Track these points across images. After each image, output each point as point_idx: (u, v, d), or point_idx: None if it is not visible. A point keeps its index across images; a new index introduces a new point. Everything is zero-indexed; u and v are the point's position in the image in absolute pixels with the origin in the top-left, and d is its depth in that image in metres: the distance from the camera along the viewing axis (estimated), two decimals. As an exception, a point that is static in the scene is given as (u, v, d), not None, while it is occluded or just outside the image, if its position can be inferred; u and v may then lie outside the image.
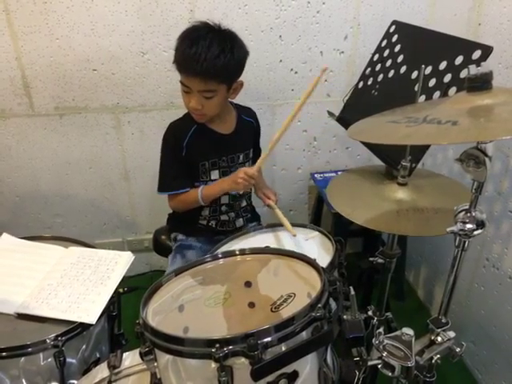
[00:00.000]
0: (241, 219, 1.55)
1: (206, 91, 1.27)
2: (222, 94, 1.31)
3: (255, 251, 1.01)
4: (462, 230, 0.84)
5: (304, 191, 2.15)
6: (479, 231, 0.85)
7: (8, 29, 1.62)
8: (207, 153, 1.41)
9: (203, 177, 1.43)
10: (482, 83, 0.76)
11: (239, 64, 1.31)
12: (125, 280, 1.20)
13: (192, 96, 1.30)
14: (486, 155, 0.76)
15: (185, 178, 1.42)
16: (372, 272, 1.46)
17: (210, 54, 1.21)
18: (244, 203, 1.56)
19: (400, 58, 1.33)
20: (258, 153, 1.56)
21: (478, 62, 1.03)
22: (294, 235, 1.27)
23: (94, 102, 1.80)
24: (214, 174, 1.44)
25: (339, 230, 1.80)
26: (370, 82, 1.45)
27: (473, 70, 0.77)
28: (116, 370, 0.94)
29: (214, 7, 1.69)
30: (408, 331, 0.94)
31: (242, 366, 0.69)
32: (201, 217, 1.50)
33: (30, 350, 0.97)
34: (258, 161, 1.32)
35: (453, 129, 0.69)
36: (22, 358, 0.99)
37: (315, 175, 2.02)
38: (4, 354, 0.96)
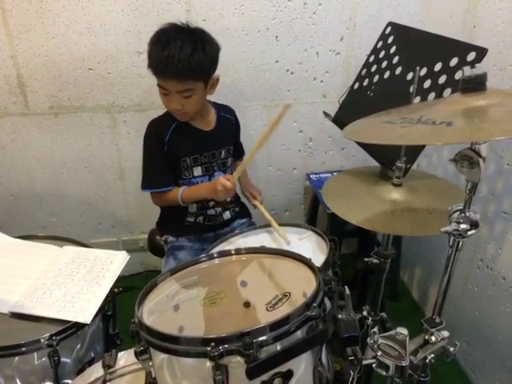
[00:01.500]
0: (227, 212, 1.56)
1: (184, 91, 1.29)
2: (199, 91, 1.32)
3: (250, 251, 1.02)
4: (456, 230, 0.85)
5: (299, 192, 2.15)
6: (473, 231, 0.85)
7: (3, 27, 1.61)
8: (188, 149, 1.43)
9: (186, 174, 1.45)
10: (477, 84, 0.77)
11: (212, 60, 1.32)
12: (120, 280, 1.19)
13: (171, 97, 1.32)
14: (480, 156, 0.76)
15: (168, 176, 1.44)
16: (367, 272, 1.47)
17: (183, 55, 1.23)
18: (228, 198, 1.56)
19: (395, 60, 1.34)
20: (239, 148, 1.61)
21: (472, 64, 1.03)
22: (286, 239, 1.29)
23: (89, 102, 1.79)
24: (197, 171, 1.45)
25: (335, 230, 1.81)
26: (365, 83, 1.45)
27: (467, 71, 0.78)
28: (111, 370, 0.94)
29: (211, 7, 1.69)
30: (402, 331, 0.94)
31: (237, 364, 0.70)
32: (188, 214, 1.51)
33: (24, 349, 0.97)
34: (236, 170, 1.36)
35: (447, 129, 0.69)
36: (16, 358, 0.98)
37: (311, 176, 2.02)
38: (-2, 353, 0.96)
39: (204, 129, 1.45)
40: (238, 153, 1.61)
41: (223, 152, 1.49)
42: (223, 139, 1.50)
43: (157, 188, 1.44)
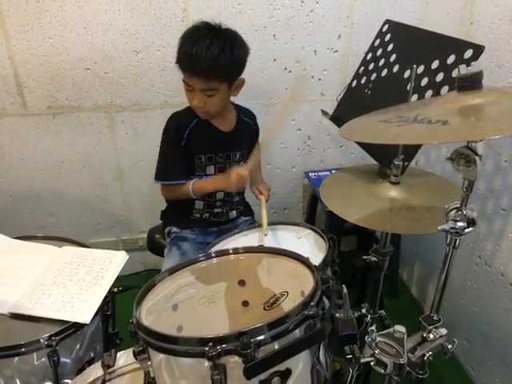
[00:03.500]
0: (234, 211, 1.58)
1: (208, 89, 1.30)
2: (223, 91, 1.33)
3: (249, 250, 1.02)
4: (453, 228, 0.85)
5: (298, 190, 2.15)
6: (470, 229, 0.85)
7: (0, 28, 1.61)
8: (205, 147, 1.43)
9: (198, 171, 1.45)
10: (473, 83, 0.77)
11: (239, 62, 1.33)
12: (119, 279, 1.20)
13: (194, 94, 1.32)
14: (477, 154, 0.76)
15: (182, 169, 1.44)
16: (366, 270, 1.47)
17: (211, 54, 1.23)
18: (237, 198, 1.59)
19: (393, 57, 1.34)
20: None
21: (469, 61, 1.03)
22: (265, 235, 1.31)
23: (87, 101, 1.79)
24: (210, 169, 1.46)
25: (333, 228, 1.81)
26: (363, 81, 1.45)
27: (463, 69, 0.78)
28: (110, 370, 0.95)
29: (208, 6, 1.69)
30: (400, 328, 0.95)
31: (235, 364, 0.70)
32: (195, 210, 1.52)
33: (23, 349, 0.97)
34: (250, 157, 1.36)
35: (443, 128, 0.69)
36: (16, 358, 0.98)
37: (309, 174, 2.02)
38: (-2, 353, 0.96)
39: (223, 129, 1.45)
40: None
41: (238, 155, 1.49)
42: (240, 142, 1.50)
43: (171, 180, 1.45)
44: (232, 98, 1.45)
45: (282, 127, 1.25)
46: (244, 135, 1.52)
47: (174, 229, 1.55)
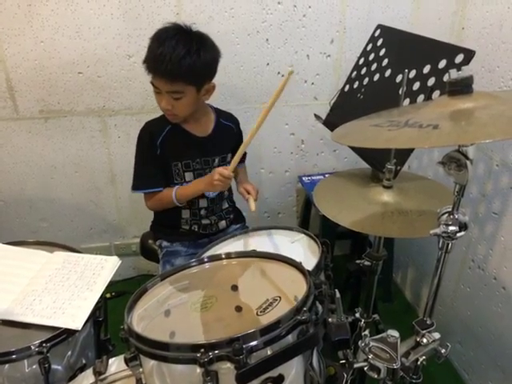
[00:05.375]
0: (223, 221, 1.55)
1: (174, 92, 1.28)
2: (190, 95, 1.30)
3: (241, 255, 1.01)
4: (444, 232, 0.85)
5: (292, 194, 2.15)
6: (462, 233, 0.85)
7: (-9, 32, 1.60)
8: (180, 153, 1.41)
9: (177, 178, 1.43)
10: (463, 87, 0.77)
11: (207, 66, 1.30)
12: (112, 284, 1.18)
13: (162, 96, 1.31)
14: (467, 158, 0.77)
15: (159, 177, 1.42)
16: (359, 274, 1.47)
17: (175, 55, 1.22)
18: (226, 205, 1.56)
19: (385, 62, 1.35)
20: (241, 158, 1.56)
21: (460, 66, 1.04)
22: (253, 211, 1.33)
23: (79, 105, 1.78)
24: (189, 176, 1.44)
25: (327, 232, 1.81)
26: (355, 86, 1.46)
27: (454, 74, 0.78)
28: (102, 377, 0.94)
29: (201, 10, 1.69)
30: (393, 333, 0.95)
31: (227, 370, 0.69)
32: (182, 220, 1.50)
33: (14, 356, 0.96)
34: (233, 160, 1.31)
35: (433, 132, 0.69)
36: (6, 365, 0.97)
37: (303, 178, 2.03)
38: (-13, 361, 0.95)
39: (198, 134, 1.43)
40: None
41: (217, 160, 1.46)
42: (219, 147, 1.47)
43: (147, 189, 1.43)
44: (222, 103, 1.44)
45: (262, 123, 1.23)
46: (223, 139, 1.48)
47: (165, 243, 1.52)
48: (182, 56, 1.22)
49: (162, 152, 1.40)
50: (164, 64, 1.22)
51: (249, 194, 1.46)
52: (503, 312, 1.41)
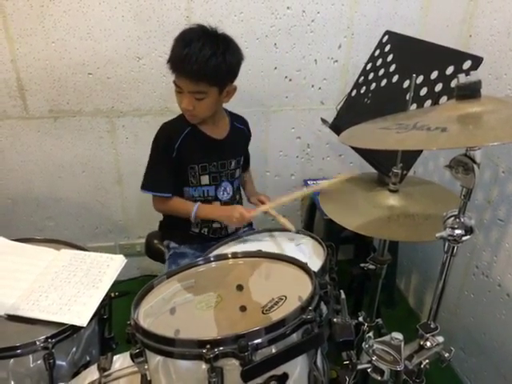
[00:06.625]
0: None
1: (197, 92, 1.29)
2: (213, 96, 1.32)
3: (247, 255, 1.02)
4: (450, 235, 0.86)
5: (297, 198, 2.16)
6: (468, 237, 0.86)
7: (4, 31, 1.63)
8: (198, 156, 1.41)
9: (193, 181, 1.43)
10: (471, 91, 0.78)
11: (231, 68, 1.32)
12: (116, 284, 1.19)
13: (184, 96, 1.31)
14: (475, 162, 0.77)
15: (169, 182, 1.42)
16: (363, 278, 1.47)
17: (201, 56, 1.23)
18: None
19: (392, 68, 1.36)
20: (246, 160, 1.61)
21: (468, 72, 1.05)
22: (294, 231, 1.33)
23: (88, 106, 1.80)
24: (204, 179, 1.44)
25: (331, 236, 1.81)
26: (362, 91, 1.47)
27: (462, 78, 0.79)
28: (106, 373, 0.94)
29: (210, 14, 1.71)
30: (397, 336, 0.95)
31: (232, 367, 0.70)
32: (193, 224, 1.50)
33: (19, 351, 0.96)
34: (259, 208, 1.39)
35: (442, 135, 0.70)
36: (11, 360, 0.98)
37: (308, 182, 2.03)
38: (-7, 355, 0.96)
39: (216, 137, 1.43)
40: (244, 164, 1.60)
41: (233, 163, 1.47)
42: (234, 150, 1.48)
43: (156, 191, 1.43)
44: (229, 106, 1.45)
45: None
46: (238, 142, 1.50)
47: (173, 244, 1.52)
48: (209, 57, 1.24)
49: (179, 155, 1.39)
50: (190, 64, 1.23)
51: (263, 203, 1.50)
52: (507, 319, 1.40)
